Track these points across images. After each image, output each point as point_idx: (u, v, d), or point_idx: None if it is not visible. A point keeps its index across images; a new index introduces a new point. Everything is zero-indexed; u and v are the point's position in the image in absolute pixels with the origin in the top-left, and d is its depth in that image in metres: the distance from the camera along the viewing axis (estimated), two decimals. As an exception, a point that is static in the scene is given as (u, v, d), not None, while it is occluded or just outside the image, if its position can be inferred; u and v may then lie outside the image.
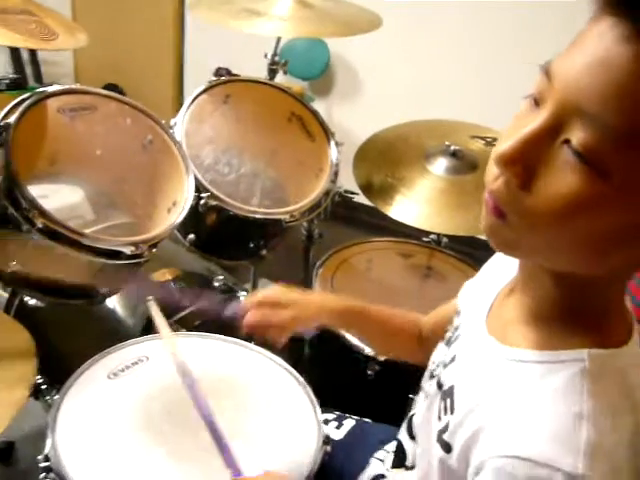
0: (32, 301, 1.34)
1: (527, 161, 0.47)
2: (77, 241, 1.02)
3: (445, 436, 0.59)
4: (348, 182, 1.56)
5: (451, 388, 0.61)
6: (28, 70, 3.15)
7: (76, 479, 0.79)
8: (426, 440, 0.65)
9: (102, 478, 0.81)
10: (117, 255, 1.07)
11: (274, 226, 1.40)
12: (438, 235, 1.64)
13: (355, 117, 2.78)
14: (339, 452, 0.93)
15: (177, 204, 1.19)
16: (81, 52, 3.24)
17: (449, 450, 0.57)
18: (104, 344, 1.05)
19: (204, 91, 1.42)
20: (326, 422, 0.94)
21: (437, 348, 0.75)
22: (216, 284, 1.44)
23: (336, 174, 1.46)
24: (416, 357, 0.83)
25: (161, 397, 0.97)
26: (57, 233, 1.01)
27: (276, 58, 1.72)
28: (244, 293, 1.42)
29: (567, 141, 0.45)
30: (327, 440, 0.92)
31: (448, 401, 0.61)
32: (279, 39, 1.80)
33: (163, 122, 1.27)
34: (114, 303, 1.39)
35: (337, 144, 1.49)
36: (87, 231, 1.06)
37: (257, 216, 1.33)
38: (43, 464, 0.82)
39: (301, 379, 1.03)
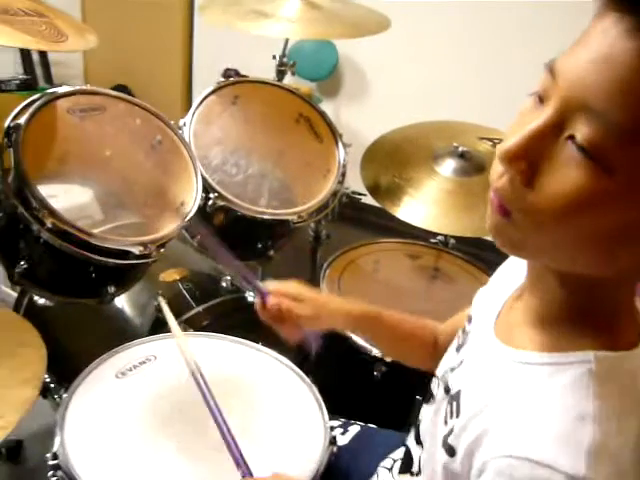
0: (41, 300, 1.35)
1: (531, 157, 0.47)
2: (86, 241, 1.03)
3: (450, 440, 0.58)
4: (356, 183, 1.56)
5: (458, 392, 0.61)
6: (38, 71, 3.17)
7: (84, 477, 0.80)
8: (432, 445, 0.65)
9: (110, 476, 0.82)
10: (125, 255, 1.08)
11: (282, 227, 1.41)
12: (445, 236, 1.64)
13: (363, 118, 2.78)
14: (345, 457, 0.93)
15: (185, 204, 1.19)
16: (91, 53, 3.26)
17: (453, 454, 0.57)
18: (112, 343, 1.06)
19: (213, 92, 1.42)
20: (332, 429, 0.94)
21: (447, 354, 0.74)
22: (224, 284, 1.44)
23: (343, 175, 1.46)
24: (428, 364, 0.82)
25: (169, 396, 0.97)
26: (66, 233, 1.02)
27: (284, 59, 1.73)
28: (251, 293, 1.42)
29: (572, 137, 0.45)
30: (333, 440, 0.92)
31: (454, 405, 0.61)
32: (287, 40, 1.80)
33: (172, 123, 1.28)
34: (122, 302, 1.40)
35: (345, 145, 1.49)
36: (96, 231, 1.07)
37: (265, 217, 1.34)
38: (51, 462, 0.83)
39: (307, 379, 1.03)
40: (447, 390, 0.65)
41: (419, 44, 2.62)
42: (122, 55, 3.24)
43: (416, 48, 2.63)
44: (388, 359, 1.20)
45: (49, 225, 1.00)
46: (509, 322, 0.61)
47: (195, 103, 1.40)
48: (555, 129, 0.46)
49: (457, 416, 0.59)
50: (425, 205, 1.47)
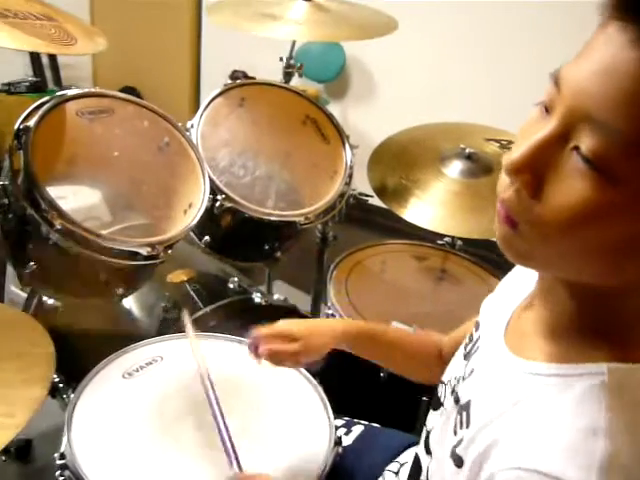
0: (50, 301, 1.36)
1: (537, 169, 0.47)
2: (94, 242, 1.04)
3: (458, 450, 0.58)
4: (363, 185, 1.57)
5: (468, 402, 0.61)
6: (48, 73, 3.19)
7: (91, 476, 0.80)
8: (440, 455, 0.64)
9: (116, 475, 0.83)
10: (133, 256, 1.09)
11: (289, 228, 1.41)
12: (452, 238, 1.64)
13: (370, 120, 2.78)
14: (349, 457, 0.93)
15: (193, 206, 1.20)
16: (99, 55, 3.28)
17: (460, 465, 0.57)
18: (120, 344, 1.07)
19: (220, 94, 1.43)
20: (335, 428, 0.95)
21: (454, 360, 0.74)
22: (231, 285, 1.45)
23: (350, 177, 1.46)
24: (432, 379, 0.81)
25: (175, 396, 0.98)
26: (75, 234, 1.03)
27: (291, 61, 1.73)
28: (259, 294, 1.43)
29: (576, 148, 0.45)
30: (339, 441, 0.92)
31: (464, 415, 0.60)
32: (294, 42, 1.80)
33: (180, 125, 1.29)
34: (130, 304, 1.41)
35: (352, 147, 1.49)
36: (104, 232, 1.08)
37: (272, 218, 1.34)
38: (59, 462, 0.83)
39: (313, 380, 1.03)
40: (457, 400, 0.64)
41: (426, 46, 2.62)
42: (130, 57, 3.26)
43: (423, 50, 2.63)
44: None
45: (58, 226, 1.01)
46: (519, 332, 0.61)
47: (202, 105, 1.40)
48: (560, 140, 0.46)
49: (467, 427, 0.58)
50: (432, 206, 1.47)
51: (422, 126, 1.66)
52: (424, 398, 1.19)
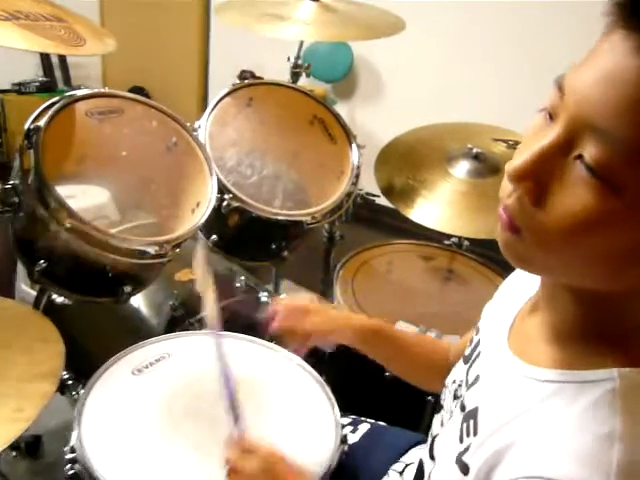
0: (59, 299, 1.37)
1: (539, 177, 0.47)
2: (103, 240, 1.05)
3: (465, 457, 0.57)
4: (370, 185, 1.57)
5: (475, 409, 0.60)
6: (57, 73, 3.22)
7: (100, 470, 0.81)
8: (444, 462, 0.64)
9: (125, 470, 0.84)
10: (141, 254, 1.10)
11: (296, 228, 1.41)
12: (459, 238, 1.64)
13: (378, 119, 2.79)
14: (355, 455, 0.94)
15: (201, 205, 1.21)
16: (109, 56, 3.29)
17: (466, 472, 0.56)
18: (128, 342, 1.08)
19: (228, 94, 1.44)
20: (342, 426, 0.95)
21: (456, 367, 0.74)
22: (237, 284, 1.45)
23: (357, 176, 1.47)
24: (437, 387, 0.81)
25: (184, 392, 0.99)
26: (84, 232, 1.04)
27: (299, 61, 1.74)
28: (265, 294, 1.44)
29: (580, 156, 0.45)
30: (345, 439, 0.93)
31: (471, 422, 0.59)
32: (302, 42, 1.81)
33: (188, 125, 1.30)
34: (139, 302, 1.42)
35: (359, 147, 1.50)
36: (113, 231, 1.09)
37: (279, 218, 1.34)
38: (69, 456, 0.84)
39: (319, 378, 1.04)
40: (463, 407, 0.64)
41: (434, 46, 2.62)
42: (139, 57, 3.28)
43: (431, 50, 2.64)
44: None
45: (67, 225, 1.02)
46: (524, 337, 0.61)
47: (210, 105, 1.41)
48: (563, 148, 0.46)
49: (474, 434, 0.58)
50: (439, 207, 1.47)
51: (429, 126, 1.66)
52: (430, 398, 1.19)
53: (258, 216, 1.33)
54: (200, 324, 1.30)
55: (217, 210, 1.25)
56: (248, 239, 1.43)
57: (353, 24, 1.58)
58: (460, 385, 0.69)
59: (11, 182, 1.08)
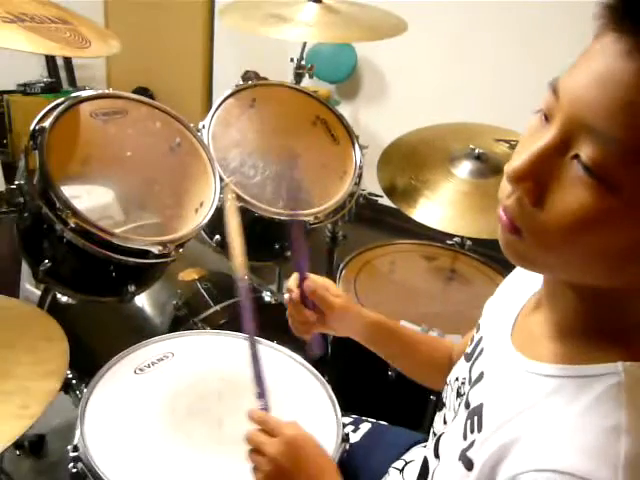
0: (64, 298, 1.38)
1: (538, 177, 0.48)
2: (107, 240, 1.06)
3: (469, 453, 0.58)
4: (372, 185, 1.58)
5: (480, 406, 0.60)
6: (62, 74, 3.23)
7: (103, 468, 0.82)
8: (448, 459, 0.65)
9: (128, 468, 0.84)
10: (145, 254, 1.11)
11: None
12: (462, 238, 1.64)
13: (381, 120, 2.79)
14: (356, 454, 0.94)
15: (204, 205, 1.22)
16: (113, 57, 3.28)
17: (470, 467, 0.57)
18: (132, 341, 1.08)
19: (231, 95, 1.45)
20: (343, 426, 0.96)
21: (458, 364, 0.75)
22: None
23: (360, 177, 1.47)
24: (440, 385, 0.81)
25: (187, 393, 0.99)
26: (88, 232, 1.05)
27: (302, 62, 1.74)
28: (269, 293, 1.44)
29: (576, 156, 0.46)
30: (346, 438, 0.93)
31: (475, 419, 0.60)
32: (305, 44, 1.82)
33: (191, 125, 1.30)
34: (142, 301, 1.42)
35: (361, 147, 1.50)
36: (117, 231, 1.10)
37: (282, 218, 1.35)
38: (72, 454, 0.85)
39: (321, 377, 1.05)
40: (467, 405, 0.64)
41: (436, 46, 2.63)
42: (144, 59, 3.29)
43: (433, 50, 2.64)
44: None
45: (72, 225, 1.03)
46: (528, 334, 0.61)
47: (214, 106, 1.42)
48: (560, 149, 0.47)
49: (479, 431, 0.58)
50: (441, 207, 1.48)
51: (432, 126, 1.67)
52: (432, 397, 1.20)
53: (261, 216, 1.33)
54: (203, 324, 1.31)
55: (220, 210, 1.26)
56: (251, 239, 1.43)
57: (356, 25, 1.59)
58: (463, 383, 0.69)
59: (16, 182, 1.09)
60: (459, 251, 1.63)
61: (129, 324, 1.40)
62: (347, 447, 0.92)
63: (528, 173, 0.48)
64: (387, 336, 0.91)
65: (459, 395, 0.70)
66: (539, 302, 0.62)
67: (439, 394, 0.80)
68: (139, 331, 1.33)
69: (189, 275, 1.46)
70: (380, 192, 1.57)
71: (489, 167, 1.50)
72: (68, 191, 1.06)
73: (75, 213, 1.04)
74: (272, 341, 1.12)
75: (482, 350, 0.68)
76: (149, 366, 1.03)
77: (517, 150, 0.51)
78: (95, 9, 3.28)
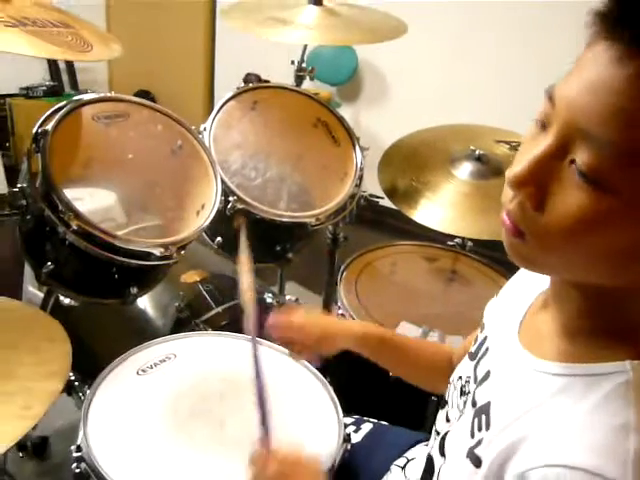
0: (66, 300, 1.39)
1: (538, 182, 0.49)
2: (110, 243, 1.06)
3: (477, 451, 0.59)
4: (373, 186, 1.58)
5: (487, 404, 0.61)
6: (65, 78, 3.25)
7: (106, 468, 0.83)
8: (455, 457, 0.65)
9: (131, 469, 0.85)
10: (147, 256, 1.11)
11: (300, 229, 1.43)
12: (463, 239, 1.64)
13: (382, 122, 2.80)
14: (358, 454, 0.95)
15: (205, 207, 1.22)
16: (115, 60, 3.31)
17: (479, 465, 0.57)
18: (135, 343, 1.09)
19: (232, 98, 1.45)
20: (344, 426, 0.96)
21: (461, 363, 0.75)
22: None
23: (361, 178, 1.48)
24: (441, 388, 0.82)
25: (189, 394, 1.00)
26: (91, 235, 1.05)
27: (303, 65, 1.75)
28: (270, 295, 1.45)
29: (573, 161, 0.47)
30: (348, 438, 0.94)
31: (483, 417, 0.61)
32: (305, 46, 1.82)
33: (193, 128, 1.31)
34: (145, 303, 1.43)
35: (362, 149, 1.51)
36: (119, 233, 1.10)
37: (283, 219, 1.36)
38: (75, 454, 0.86)
39: (322, 378, 1.05)
40: (474, 403, 0.65)
41: (436, 48, 2.63)
42: (145, 62, 3.31)
43: (434, 52, 2.64)
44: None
45: (74, 227, 1.04)
46: (535, 332, 0.62)
47: (215, 108, 1.43)
48: (558, 154, 0.48)
49: (487, 428, 0.59)
50: (442, 208, 1.48)
51: (432, 128, 1.67)
52: (433, 398, 1.20)
53: (262, 218, 1.34)
54: (205, 325, 1.32)
55: (222, 212, 1.26)
56: (253, 241, 1.43)
57: (356, 28, 1.59)
58: (468, 381, 0.70)
59: (19, 185, 1.10)
60: (460, 252, 1.63)
61: (131, 326, 1.41)
62: (349, 447, 0.92)
63: (529, 178, 0.49)
64: (381, 347, 0.93)
65: (463, 393, 0.70)
66: (546, 301, 0.63)
67: (440, 395, 0.80)
68: (141, 333, 1.34)
69: (191, 277, 1.47)
70: (381, 194, 1.57)
71: (490, 168, 1.51)
72: (70, 194, 1.07)
73: (77, 215, 1.04)
74: (273, 342, 1.12)
75: (487, 349, 0.69)
76: (151, 367, 1.04)
77: (517, 156, 0.52)
78: (97, 13, 3.29)
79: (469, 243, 1.65)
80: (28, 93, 3.00)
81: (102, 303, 1.24)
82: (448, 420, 0.73)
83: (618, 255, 0.49)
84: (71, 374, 1.32)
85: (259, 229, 1.39)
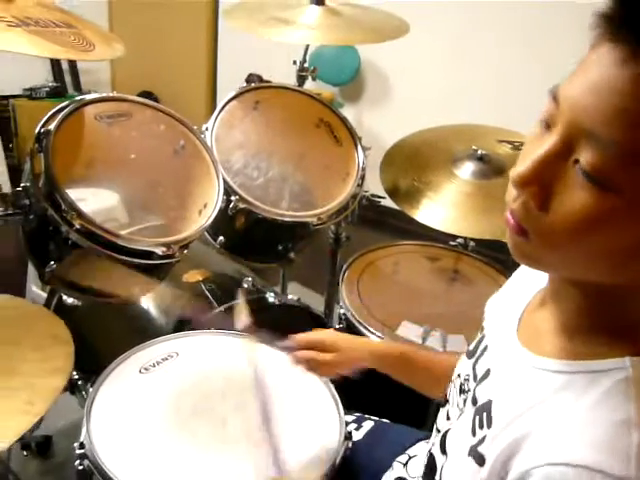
0: (69, 300, 1.39)
1: (542, 181, 0.50)
2: (112, 242, 1.07)
3: (480, 449, 0.59)
4: (375, 186, 1.58)
5: (488, 402, 0.61)
6: (67, 79, 3.25)
7: (109, 465, 0.83)
8: (457, 455, 0.65)
9: (134, 466, 0.85)
10: (149, 255, 1.11)
11: (302, 229, 1.43)
12: (465, 239, 1.64)
13: (385, 122, 2.80)
14: (360, 452, 0.95)
15: (207, 207, 1.23)
16: (117, 60, 3.33)
17: (482, 463, 0.58)
18: (137, 342, 1.09)
19: (234, 97, 1.46)
20: (346, 424, 0.97)
21: (460, 362, 0.76)
22: (245, 285, 1.47)
23: (363, 178, 1.48)
24: None
25: (191, 392, 1.00)
26: (93, 234, 1.06)
27: (305, 65, 1.75)
28: (272, 294, 1.45)
29: (577, 161, 0.48)
30: (349, 436, 0.94)
31: (484, 415, 0.61)
32: (307, 46, 1.83)
33: (195, 128, 1.31)
34: (148, 303, 1.44)
35: (364, 149, 1.51)
36: (122, 233, 1.10)
37: (285, 219, 1.36)
38: (78, 451, 0.86)
39: (323, 377, 1.05)
40: (474, 401, 0.65)
41: (439, 48, 2.63)
42: (148, 62, 3.31)
43: (436, 52, 2.64)
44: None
45: (77, 226, 1.04)
46: (534, 330, 0.62)
47: (217, 108, 1.43)
48: (562, 153, 0.49)
49: (489, 426, 0.59)
50: (444, 208, 1.48)
51: (434, 128, 1.67)
52: (435, 397, 1.20)
53: (264, 217, 1.34)
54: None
55: (224, 212, 1.27)
56: (255, 240, 1.44)
57: (358, 28, 1.59)
58: (467, 379, 0.70)
59: (22, 185, 1.10)
60: (462, 252, 1.64)
61: (134, 325, 1.41)
62: (350, 445, 0.93)
63: (532, 178, 0.50)
64: (400, 365, 0.94)
65: (462, 391, 0.71)
66: (544, 299, 0.63)
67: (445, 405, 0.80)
68: (144, 332, 1.34)
69: (193, 276, 1.47)
70: (383, 193, 1.57)
71: (492, 168, 1.50)
72: (73, 194, 1.07)
73: (80, 215, 1.04)
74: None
75: (486, 347, 0.69)
76: (154, 365, 1.04)
77: (521, 156, 0.53)
78: (99, 13, 3.30)
79: (471, 243, 1.65)
80: (31, 94, 3.00)
81: (105, 302, 1.24)
82: (449, 418, 0.74)
83: (619, 253, 0.49)
84: (74, 372, 1.32)
85: (261, 229, 1.39)
